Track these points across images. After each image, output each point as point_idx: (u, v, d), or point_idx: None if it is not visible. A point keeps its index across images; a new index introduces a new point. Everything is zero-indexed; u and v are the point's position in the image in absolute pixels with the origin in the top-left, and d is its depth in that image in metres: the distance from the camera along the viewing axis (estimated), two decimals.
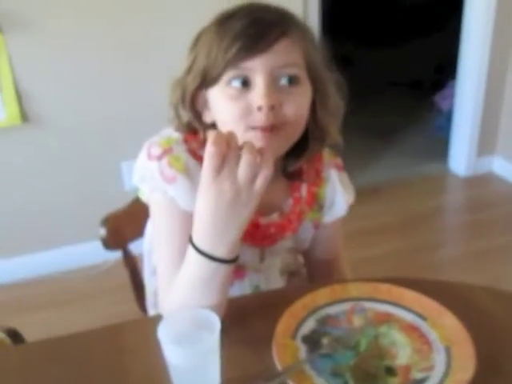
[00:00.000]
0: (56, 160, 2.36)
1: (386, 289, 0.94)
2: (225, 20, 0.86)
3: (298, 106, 0.88)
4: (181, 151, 0.92)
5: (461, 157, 3.27)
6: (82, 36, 2.20)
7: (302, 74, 0.88)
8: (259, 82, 0.84)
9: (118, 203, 1.24)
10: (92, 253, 2.12)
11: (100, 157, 2.41)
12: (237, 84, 0.85)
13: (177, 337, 0.71)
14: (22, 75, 2.16)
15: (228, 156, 0.72)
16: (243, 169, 0.72)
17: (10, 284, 2.38)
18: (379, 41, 4.67)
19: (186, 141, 0.94)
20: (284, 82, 0.85)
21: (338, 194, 1.07)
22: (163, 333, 0.69)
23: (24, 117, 2.21)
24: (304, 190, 1.04)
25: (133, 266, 1.27)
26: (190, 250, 0.79)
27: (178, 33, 2.30)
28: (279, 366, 0.77)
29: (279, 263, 1.11)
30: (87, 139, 2.37)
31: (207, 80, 0.87)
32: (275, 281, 1.11)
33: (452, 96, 3.31)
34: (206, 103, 0.92)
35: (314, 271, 1.18)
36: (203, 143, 0.92)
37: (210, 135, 0.72)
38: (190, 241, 0.79)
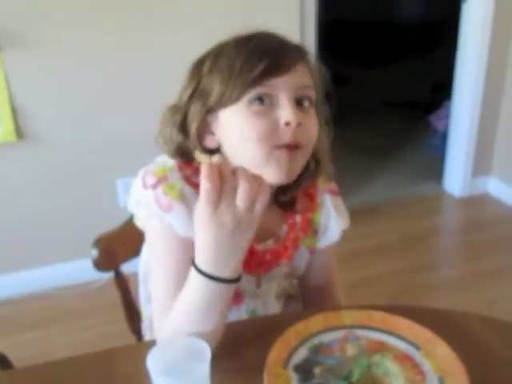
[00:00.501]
0: (51, 177, 2.35)
1: (379, 317, 0.93)
2: (243, 43, 0.87)
3: (314, 129, 0.90)
4: (176, 179, 0.91)
5: (456, 177, 3.28)
6: (79, 54, 2.21)
7: (313, 99, 0.90)
8: (285, 100, 0.85)
9: (113, 220, 1.24)
10: (84, 270, 2.10)
11: (95, 174, 2.41)
12: (260, 100, 0.85)
13: (166, 367, 0.70)
14: (18, 92, 2.17)
15: (224, 189, 0.71)
16: (242, 198, 0.71)
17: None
18: (375, 60, 4.70)
19: (180, 168, 0.93)
20: (305, 103, 0.88)
21: (331, 220, 1.06)
22: (152, 363, 0.68)
23: (19, 133, 2.21)
24: (298, 216, 1.03)
25: (124, 287, 1.26)
26: (193, 274, 0.77)
27: (179, 54, 2.33)
28: None
29: (275, 288, 1.10)
30: (82, 156, 2.36)
31: (223, 102, 0.87)
32: (272, 305, 1.10)
33: (447, 116, 3.32)
34: (208, 128, 0.91)
35: (308, 296, 1.16)
36: (197, 170, 0.91)
37: (203, 169, 0.71)
38: (193, 265, 0.77)
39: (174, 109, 0.93)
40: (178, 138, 0.92)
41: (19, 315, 2.29)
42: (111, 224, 1.23)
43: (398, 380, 0.81)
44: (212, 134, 0.91)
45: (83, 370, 0.86)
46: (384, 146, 3.80)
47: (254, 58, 0.84)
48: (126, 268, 1.26)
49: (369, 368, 0.83)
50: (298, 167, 0.90)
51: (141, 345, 1.10)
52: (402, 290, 2.38)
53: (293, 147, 0.86)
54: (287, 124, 0.84)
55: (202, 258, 0.76)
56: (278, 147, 0.85)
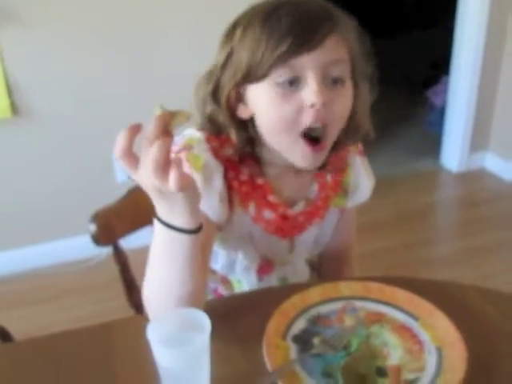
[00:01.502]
0: (47, 153, 2.34)
1: (377, 288, 0.93)
2: (270, 14, 0.82)
3: (344, 107, 0.87)
4: (202, 150, 0.90)
5: (453, 153, 3.27)
6: (74, 29, 2.19)
7: (347, 71, 0.86)
8: (311, 80, 0.81)
9: (111, 196, 1.23)
10: (83, 247, 2.11)
11: (92, 149, 2.39)
12: (286, 82, 0.81)
13: (167, 338, 0.70)
14: (13, 68, 2.14)
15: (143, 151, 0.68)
16: (147, 166, 0.67)
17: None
18: (374, 34, 4.64)
19: (208, 140, 0.91)
20: (332, 80, 0.83)
21: (361, 179, 1.07)
22: (153, 334, 0.68)
23: (14, 110, 2.19)
24: (329, 175, 1.03)
25: (123, 262, 1.26)
26: (155, 222, 0.77)
27: (178, 26, 2.31)
28: (269, 367, 0.76)
29: (305, 253, 1.11)
30: (78, 132, 2.35)
31: (251, 77, 0.83)
32: (302, 271, 1.12)
33: (445, 91, 3.30)
34: (241, 98, 0.88)
35: (326, 265, 1.19)
36: (225, 142, 0.91)
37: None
38: (155, 213, 0.77)
39: (208, 76, 0.90)
40: (210, 106, 0.89)
41: (17, 293, 2.30)
42: (109, 200, 1.23)
43: (397, 350, 0.82)
44: (245, 104, 0.88)
45: (83, 343, 0.87)
46: (381, 121, 3.77)
47: (278, 35, 0.79)
48: (125, 244, 1.26)
49: (367, 338, 0.84)
50: (323, 157, 0.89)
51: (139, 317, 1.11)
52: (398, 266, 2.39)
53: (317, 142, 0.85)
54: (312, 106, 0.81)
55: (153, 202, 0.75)
56: (303, 135, 0.84)
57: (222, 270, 1.04)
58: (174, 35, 2.30)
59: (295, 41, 0.79)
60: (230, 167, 0.92)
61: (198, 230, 0.76)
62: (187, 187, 0.68)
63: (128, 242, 1.26)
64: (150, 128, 0.67)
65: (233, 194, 0.94)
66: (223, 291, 1.10)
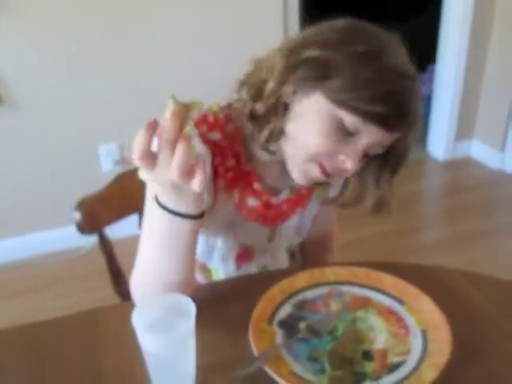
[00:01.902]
0: (32, 143, 2.32)
1: (363, 273, 0.93)
2: (364, 61, 0.78)
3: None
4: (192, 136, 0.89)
5: (439, 141, 3.29)
6: (59, 19, 2.16)
7: None
8: (359, 145, 0.81)
9: (96, 186, 1.22)
10: (69, 237, 2.09)
11: (77, 140, 2.37)
12: (348, 130, 0.80)
13: (152, 324, 0.70)
14: None
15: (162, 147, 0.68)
16: (174, 168, 0.67)
17: None
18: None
19: (196, 125, 0.89)
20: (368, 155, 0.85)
21: None
22: (138, 320, 0.68)
23: (0, 99, 2.16)
24: None
25: (109, 251, 1.25)
26: (155, 208, 0.77)
27: (164, 18, 2.30)
28: (255, 351, 0.76)
29: (285, 242, 1.11)
30: (64, 122, 2.33)
31: (335, 97, 0.78)
32: (281, 260, 1.12)
33: (431, 80, 3.31)
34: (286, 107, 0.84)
35: (308, 252, 1.20)
36: (213, 126, 0.90)
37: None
38: (156, 199, 0.77)
39: (289, 52, 0.83)
40: (270, 83, 0.83)
41: (4, 283, 2.28)
42: (95, 189, 1.22)
43: (382, 334, 0.82)
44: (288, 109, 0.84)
45: (67, 330, 0.87)
46: None
47: (383, 90, 0.77)
48: (111, 234, 1.25)
49: (353, 323, 0.84)
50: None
51: (125, 304, 1.10)
52: (384, 253, 2.40)
53: (328, 175, 0.85)
54: (342, 163, 0.83)
55: (160, 192, 0.76)
56: (318, 166, 0.84)
57: (200, 256, 1.03)
58: (160, 24, 2.29)
59: (394, 113, 0.78)
60: (217, 153, 0.91)
61: (201, 214, 0.79)
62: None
63: (114, 232, 1.25)
64: (168, 125, 0.66)
65: (218, 181, 0.93)
66: (202, 280, 1.09)
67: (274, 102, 0.83)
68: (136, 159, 0.67)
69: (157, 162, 0.68)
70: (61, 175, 2.40)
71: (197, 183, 0.68)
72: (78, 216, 1.17)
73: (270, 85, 0.82)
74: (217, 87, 0.96)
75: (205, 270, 1.07)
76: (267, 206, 0.99)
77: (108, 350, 0.81)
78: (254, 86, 0.85)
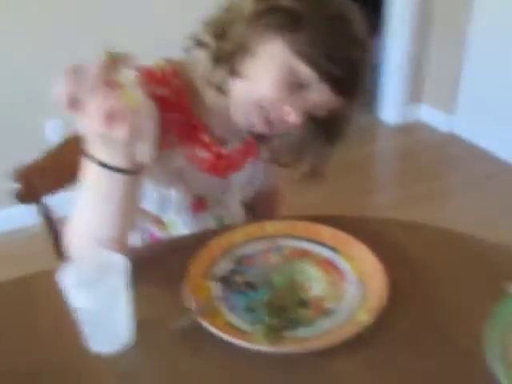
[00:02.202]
0: None
1: (303, 226, 0.94)
2: (334, 24, 0.82)
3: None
4: (137, 90, 0.86)
5: (390, 106, 3.32)
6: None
7: None
8: (307, 100, 0.84)
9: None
10: (19, 216, 2.06)
11: (22, 115, 2.30)
12: (300, 82, 0.83)
13: (80, 281, 0.68)
14: None
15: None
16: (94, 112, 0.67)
17: None
18: None
19: (146, 82, 0.86)
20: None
21: None
22: (65, 277, 0.67)
23: None
24: None
25: (48, 215, 1.22)
26: (88, 163, 0.76)
27: None
28: (192, 305, 0.76)
29: (239, 194, 1.12)
30: (8, 97, 2.26)
31: (294, 48, 0.81)
32: (237, 212, 1.13)
33: (380, 47, 3.32)
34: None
35: (259, 204, 1.23)
36: (161, 82, 0.90)
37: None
38: (85, 150, 0.76)
39: (231, 9, 0.86)
40: (231, 26, 0.85)
41: None
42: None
43: (319, 283, 0.83)
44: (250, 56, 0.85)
45: (4, 294, 0.85)
46: None
47: (345, 55, 0.81)
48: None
49: (291, 275, 0.85)
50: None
51: (58, 268, 1.08)
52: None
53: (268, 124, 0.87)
54: (288, 114, 0.84)
55: (90, 143, 0.75)
56: (262, 110, 0.85)
57: (154, 209, 1.02)
58: None
59: (348, 80, 0.83)
60: (165, 108, 0.89)
61: (138, 170, 0.77)
62: (134, 135, 0.68)
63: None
64: (93, 72, 0.65)
65: (167, 135, 0.92)
66: (159, 234, 1.08)
67: (238, 43, 0.84)
68: (63, 107, 0.66)
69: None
70: (6, 153, 2.32)
71: (119, 131, 0.67)
72: (14, 185, 1.13)
73: (238, 26, 0.83)
74: (169, 46, 0.97)
75: (160, 222, 1.07)
76: (218, 156, 1.00)
77: (44, 314, 0.79)
78: (220, 26, 0.86)
